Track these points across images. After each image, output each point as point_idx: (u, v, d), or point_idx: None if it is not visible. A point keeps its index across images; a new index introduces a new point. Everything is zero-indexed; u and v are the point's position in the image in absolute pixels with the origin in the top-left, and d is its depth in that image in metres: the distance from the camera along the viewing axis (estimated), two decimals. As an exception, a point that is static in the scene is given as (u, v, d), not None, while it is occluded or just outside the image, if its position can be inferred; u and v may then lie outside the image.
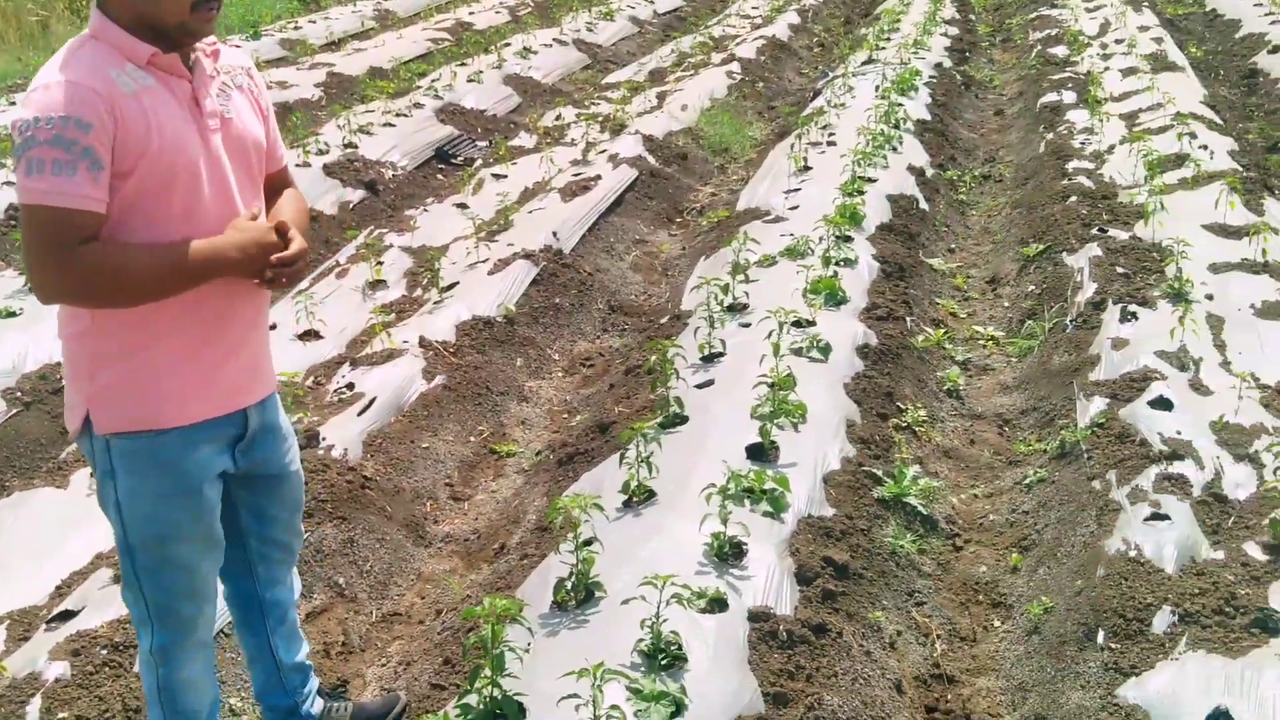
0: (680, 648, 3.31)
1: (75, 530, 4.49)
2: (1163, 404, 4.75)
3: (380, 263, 6.89)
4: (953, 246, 7.69)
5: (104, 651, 3.59)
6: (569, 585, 3.66)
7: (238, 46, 10.23)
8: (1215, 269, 6.04)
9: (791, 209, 7.47)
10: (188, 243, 2.57)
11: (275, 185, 2.98)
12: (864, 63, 11.86)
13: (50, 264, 2.46)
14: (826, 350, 5.32)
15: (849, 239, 6.69)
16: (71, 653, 3.60)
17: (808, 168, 8.32)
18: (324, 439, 4.81)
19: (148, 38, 2.57)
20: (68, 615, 3.88)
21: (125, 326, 2.60)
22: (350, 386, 5.38)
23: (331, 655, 3.90)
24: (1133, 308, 5.66)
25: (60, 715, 3.38)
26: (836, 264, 6.26)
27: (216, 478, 2.80)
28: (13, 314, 6.21)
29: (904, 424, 5.08)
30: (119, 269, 2.49)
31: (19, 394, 5.57)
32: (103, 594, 3.92)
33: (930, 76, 11.35)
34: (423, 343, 5.74)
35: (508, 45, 13.09)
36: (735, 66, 12.38)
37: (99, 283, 2.49)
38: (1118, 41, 12.17)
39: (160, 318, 2.61)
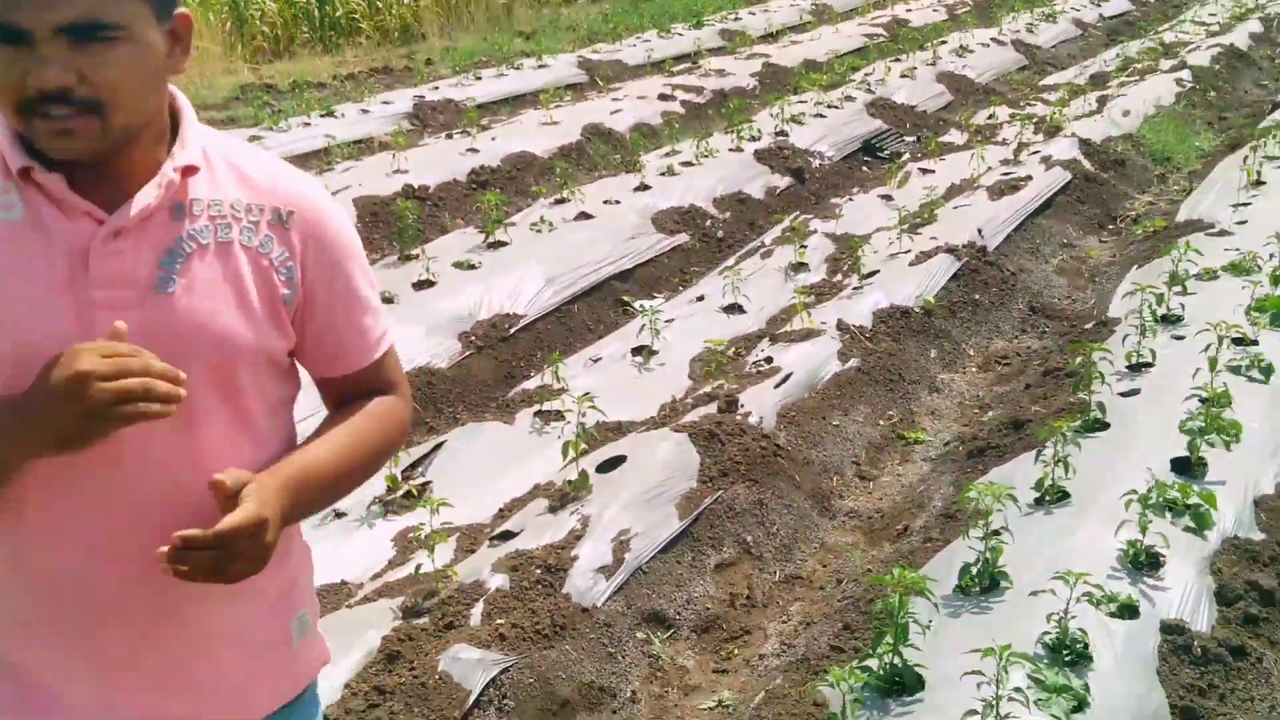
0: (1086, 647, 3.28)
1: (516, 463, 4.96)
2: None
3: (804, 246, 7.09)
4: None
5: (538, 570, 3.96)
6: (974, 571, 3.70)
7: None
8: None
9: (1239, 224, 7.06)
10: None
11: (351, 393, 1.87)
12: (1337, 75, 10.92)
13: None
14: (1268, 371, 5.02)
15: (1304, 259, 6.24)
16: (510, 568, 4.00)
17: (1260, 182, 7.80)
18: (742, 405, 5.05)
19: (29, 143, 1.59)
20: (508, 535, 4.32)
21: None
22: (768, 360, 5.60)
23: (736, 606, 4.12)
24: None
25: (498, 620, 3.77)
26: (1287, 284, 5.86)
27: None
28: (472, 266, 6.84)
29: (1352, 459, 4.71)
30: None
31: (473, 338, 6.14)
32: (539, 520, 4.32)
33: None
34: (840, 325, 5.88)
35: (943, 43, 13.00)
36: (1185, 74, 11.71)
37: None
38: None
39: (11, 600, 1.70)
